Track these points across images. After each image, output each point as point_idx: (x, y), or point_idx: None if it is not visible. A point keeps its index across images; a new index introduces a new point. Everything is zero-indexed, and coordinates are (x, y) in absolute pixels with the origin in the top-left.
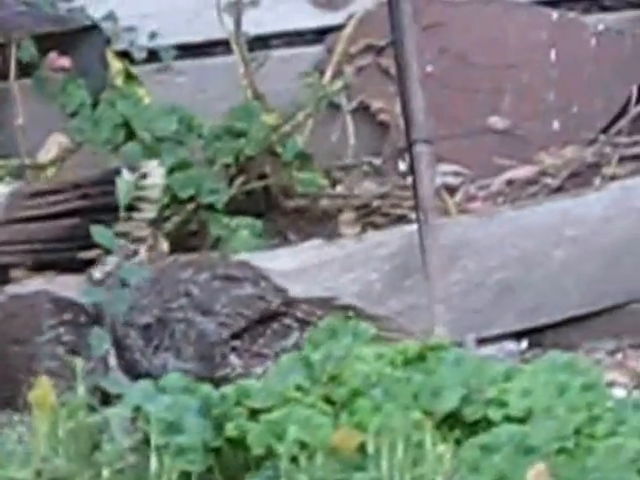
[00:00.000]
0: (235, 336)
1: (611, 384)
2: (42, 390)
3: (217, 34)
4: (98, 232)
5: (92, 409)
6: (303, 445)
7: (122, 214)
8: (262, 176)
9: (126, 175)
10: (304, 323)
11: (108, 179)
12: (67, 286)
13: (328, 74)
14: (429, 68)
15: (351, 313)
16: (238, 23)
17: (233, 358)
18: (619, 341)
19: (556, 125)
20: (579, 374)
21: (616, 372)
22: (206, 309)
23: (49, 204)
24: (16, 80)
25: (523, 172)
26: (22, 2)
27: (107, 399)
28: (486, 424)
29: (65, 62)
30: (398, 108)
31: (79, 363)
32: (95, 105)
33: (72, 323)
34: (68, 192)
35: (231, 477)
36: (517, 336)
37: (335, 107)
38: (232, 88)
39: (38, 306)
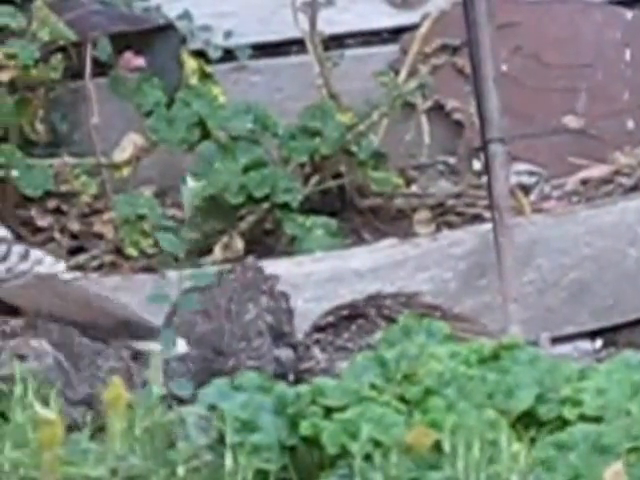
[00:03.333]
0: (319, 329)
1: None
2: (116, 389)
3: (292, 33)
4: (165, 239)
5: (168, 407)
6: (377, 444)
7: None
8: (337, 175)
9: (190, 183)
10: (389, 320)
11: None
12: None
13: (403, 73)
14: (504, 67)
15: (437, 313)
16: (313, 22)
17: (317, 351)
18: None
19: (630, 124)
20: None
21: None
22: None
23: None
24: (92, 79)
25: (597, 171)
26: (98, 1)
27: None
28: (561, 423)
29: (140, 62)
30: (473, 107)
31: (156, 360)
32: (170, 104)
33: None
34: None
35: (306, 476)
36: (591, 335)
37: (410, 106)
38: (307, 87)
39: None
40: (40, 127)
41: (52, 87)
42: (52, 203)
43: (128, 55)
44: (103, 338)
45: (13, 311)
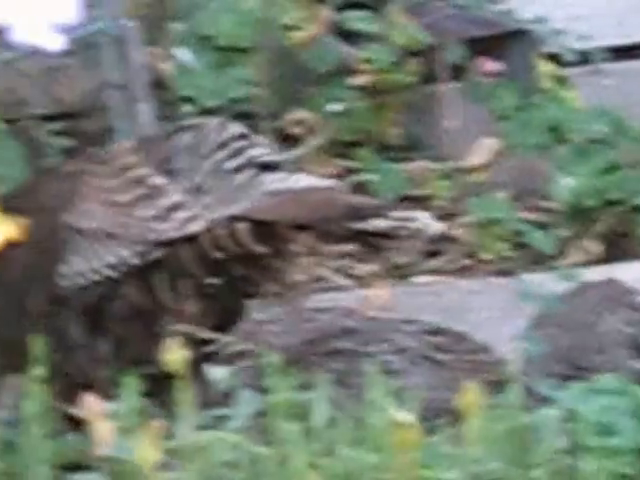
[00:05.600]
0: None
1: None
2: (471, 393)
3: None
4: (535, 236)
5: (526, 410)
6: None
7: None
8: None
9: (564, 180)
10: None
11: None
12: None
13: None
14: None
15: None
16: None
17: None
18: None
19: None
20: None
21: None
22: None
23: None
24: (446, 83)
25: None
26: (452, 5)
27: None
28: None
29: (495, 66)
30: None
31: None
32: (524, 108)
33: None
34: None
35: None
36: None
37: None
38: None
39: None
40: (395, 131)
41: (407, 91)
42: (408, 206)
43: (483, 59)
44: (335, 230)
45: (268, 232)
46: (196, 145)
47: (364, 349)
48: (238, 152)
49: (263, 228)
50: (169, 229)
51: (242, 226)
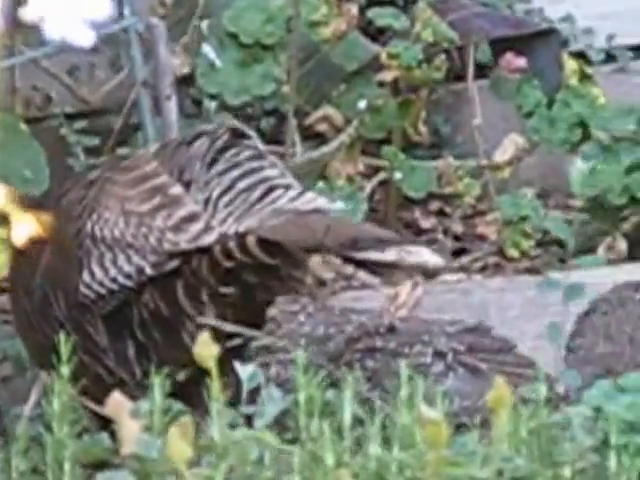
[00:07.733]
0: None
1: None
2: (500, 390)
3: None
4: (557, 225)
5: (554, 408)
6: None
7: None
8: None
9: (579, 164)
10: None
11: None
12: None
13: None
14: None
15: None
16: None
17: None
18: None
19: None
20: None
21: None
22: None
23: None
24: (474, 81)
25: None
26: (480, 3)
27: None
28: None
29: (521, 62)
30: None
31: None
32: (550, 105)
33: None
34: None
35: None
36: None
37: None
38: None
39: None
40: (423, 129)
41: (434, 88)
42: (435, 205)
43: (509, 56)
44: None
45: (276, 247)
46: (210, 157)
47: (404, 350)
48: (252, 172)
49: (270, 243)
50: (183, 240)
51: (251, 239)
